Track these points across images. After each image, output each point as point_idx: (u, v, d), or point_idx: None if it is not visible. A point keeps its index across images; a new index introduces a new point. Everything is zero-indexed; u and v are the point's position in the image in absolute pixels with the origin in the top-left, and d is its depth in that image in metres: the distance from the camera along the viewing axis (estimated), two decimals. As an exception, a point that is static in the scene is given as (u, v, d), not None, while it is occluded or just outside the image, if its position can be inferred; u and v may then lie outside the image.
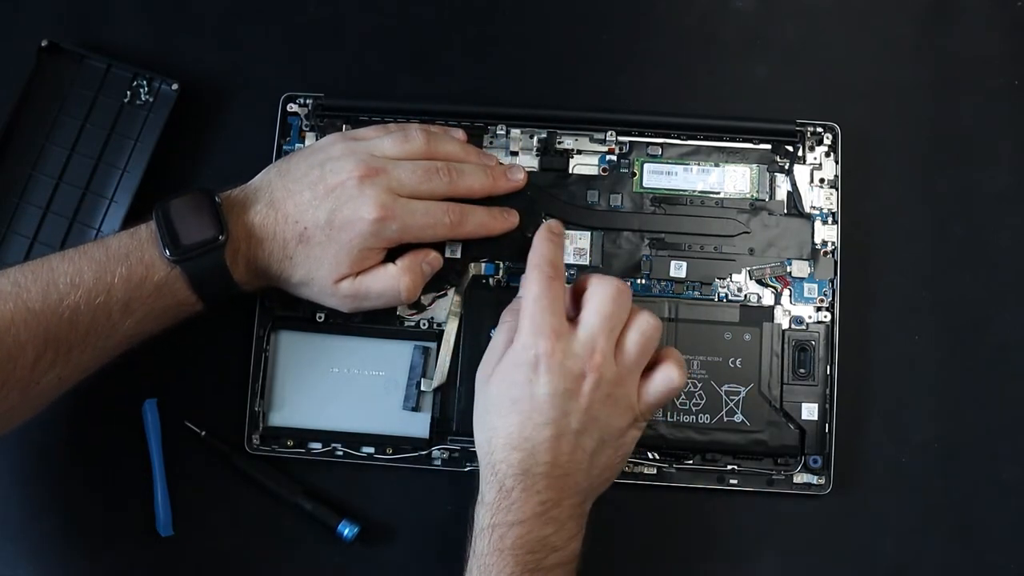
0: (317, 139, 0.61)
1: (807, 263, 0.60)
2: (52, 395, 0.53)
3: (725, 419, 0.58)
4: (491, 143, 0.62)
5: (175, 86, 0.62)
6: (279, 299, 0.59)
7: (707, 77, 0.64)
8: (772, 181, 0.61)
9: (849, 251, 0.61)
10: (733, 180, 0.61)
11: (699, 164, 0.62)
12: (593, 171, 0.62)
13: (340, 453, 0.60)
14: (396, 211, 0.54)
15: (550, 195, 0.61)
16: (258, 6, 0.65)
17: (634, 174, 0.62)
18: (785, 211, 0.61)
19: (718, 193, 0.61)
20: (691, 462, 0.59)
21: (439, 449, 0.59)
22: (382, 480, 0.60)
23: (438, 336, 0.59)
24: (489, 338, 0.55)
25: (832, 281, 0.60)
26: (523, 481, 0.50)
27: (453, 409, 0.58)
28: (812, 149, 0.61)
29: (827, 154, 0.61)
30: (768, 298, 0.60)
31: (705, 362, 0.58)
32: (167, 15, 0.65)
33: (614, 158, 0.62)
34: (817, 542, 0.60)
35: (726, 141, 0.62)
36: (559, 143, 0.62)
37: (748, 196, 0.61)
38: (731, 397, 0.58)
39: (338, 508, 0.59)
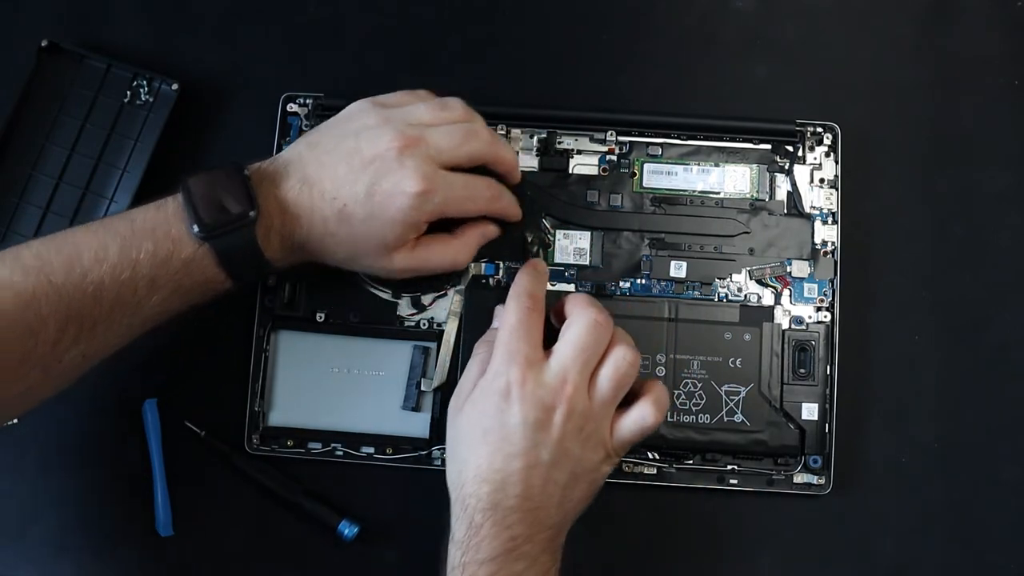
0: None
1: (807, 263, 0.60)
2: (75, 374, 0.51)
3: (725, 419, 0.58)
4: (491, 143, 0.62)
5: (175, 86, 0.62)
6: (281, 297, 0.60)
7: (707, 77, 0.64)
8: (772, 181, 0.61)
9: (849, 251, 0.61)
10: (733, 180, 0.61)
11: (699, 164, 0.62)
12: (593, 171, 0.62)
13: (340, 453, 0.60)
14: (438, 184, 0.53)
15: (550, 195, 0.61)
16: (258, 6, 0.65)
17: (634, 174, 0.62)
18: (785, 211, 0.61)
19: (718, 193, 0.61)
20: (691, 462, 0.59)
21: (439, 449, 0.59)
22: (382, 480, 0.60)
23: (438, 336, 0.59)
24: (489, 338, 0.55)
25: (832, 281, 0.60)
26: (492, 516, 0.49)
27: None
28: (812, 149, 0.61)
29: (827, 154, 0.61)
30: (768, 298, 0.60)
31: (705, 362, 0.58)
32: (167, 15, 0.65)
33: (614, 158, 0.62)
34: (817, 542, 0.60)
35: (726, 141, 0.62)
36: (559, 143, 0.62)
37: (748, 196, 0.61)
38: (731, 397, 0.58)
39: (338, 508, 0.59)
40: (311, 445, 0.60)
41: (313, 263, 0.55)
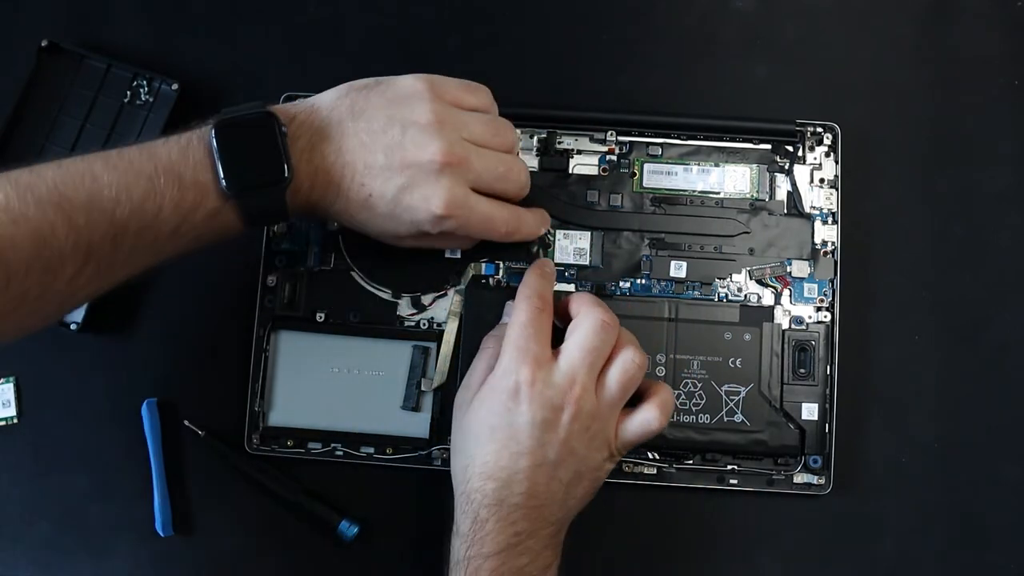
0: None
1: (807, 263, 0.60)
2: (83, 304, 0.51)
3: (725, 419, 0.58)
4: (491, 143, 0.62)
5: (175, 86, 0.62)
6: (281, 297, 0.60)
7: (707, 77, 0.64)
8: (772, 181, 0.61)
9: (849, 251, 0.61)
10: (733, 180, 0.61)
11: (699, 164, 0.62)
12: (593, 171, 0.62)
13: (340, 453, 0.60)
14: (461, 210, 0.53)
15: (550, 195, 0.61)
16: (258, 6, 0.65)
17: (634, 174, 0.62)
18: (785, 211, 0.61)
19: (718, 193, 0.61)
20: (691, 462, 0.59)
21: (439, 449, 0.59)
22: (382, 480, 0.60)
23: (438, 336, 0.59)
24: (489, 338, 0.55)
25: (832, 281, 0.60)
26: (497, 512, 0.50)
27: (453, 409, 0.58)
28: (812, 149, 0.61)
29: (827, 154, 0.61)
30: (768, 298, 0.60)
31: (705, 362, 0.58)
32: (167, 15, 0.65)
33: (614, 158, 0.62)
34: (817, 542, 0.60)
35: (726, 141, 0.62)
36: (559, 143, 0.62)
37: (748, 196, 0.61)
38: (731, 397, 0.58)
39: (338, 508, 0.60)
40: (311, 445, 0.60)
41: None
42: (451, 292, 0.60)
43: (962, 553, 0.60)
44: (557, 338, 0.53)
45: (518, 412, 0.50)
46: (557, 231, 0.61)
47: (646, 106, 0.63)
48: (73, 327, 0.60)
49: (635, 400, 0.53)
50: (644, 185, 0.61)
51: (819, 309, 0.60)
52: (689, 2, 0.66)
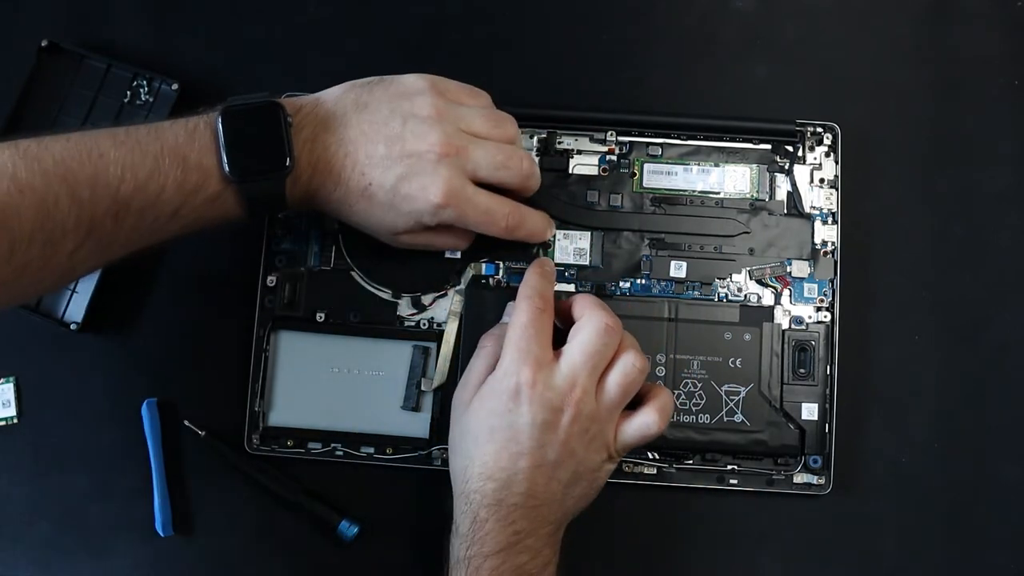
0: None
1: (807, 263, 0.60)
2: (83, 275, 0.52)
3: (725, 419, 0.58)
4: (491, 143, 0.62)
5: (175, 86, 0.62)
6: (281, 297, 0.60)
7: (707, 77, 0.64)
8: (772, 181, 0.61)
9: (849, 251, 0.61)
10: (733, 180, 0.61)
11: (699, 164, 0.62)
12: (593, 171, 0.62)
13: (340, 453, 0.60)
14: (460, 200, 0.53)
15: (550, 195, 0.61)
16: (258, 6, 0.65)
17: (634, 174, 0.62)
18: (785, 211, 0.61)
19: (718, 193, 0.61)
20: (691, 462, 0.59)
21: (439, 449, 0.59)
22: (382, 480, 0.60)
23: (438, 336, 0.59)
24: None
25: (832, 281, 0.60)
26: (496, 512, 0.50)
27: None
28: (812, 149, 0.61)
29: (827, 154, 0.61)
30: (768, 298, 0.60)
31: (705, 362, 0.58)
32: (167, 15, 0.65)
33: (614, 158, 0.62)
34: (817, 542, 0.60)
35: (726, 141, 0.62)
36: (559, 143, 0.62)
37: (748, 196, 0.61)
38: (731, 397, 0.58)
39: (338, 508, 0.60)
40: (311, 445, 0.60)
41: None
42: (451, 292, 0.60)
43: (962, 553, 0.60)
44: (557, 339, 0.53)
45: (518, 413, 0.51)
46: (557, 231, 0.61)
47: (646, 106, 0.63)
48: (73, 327, 0.60)
49: (635, 402, 0.53)
50: (644, 185, 0.61)
51: (819, 309, 0.60)
52: (689, 2, 0.66)
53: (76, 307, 0.61)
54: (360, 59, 0.65)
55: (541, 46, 0.65)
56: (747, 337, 0.59)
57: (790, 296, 0.60)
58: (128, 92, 0.63)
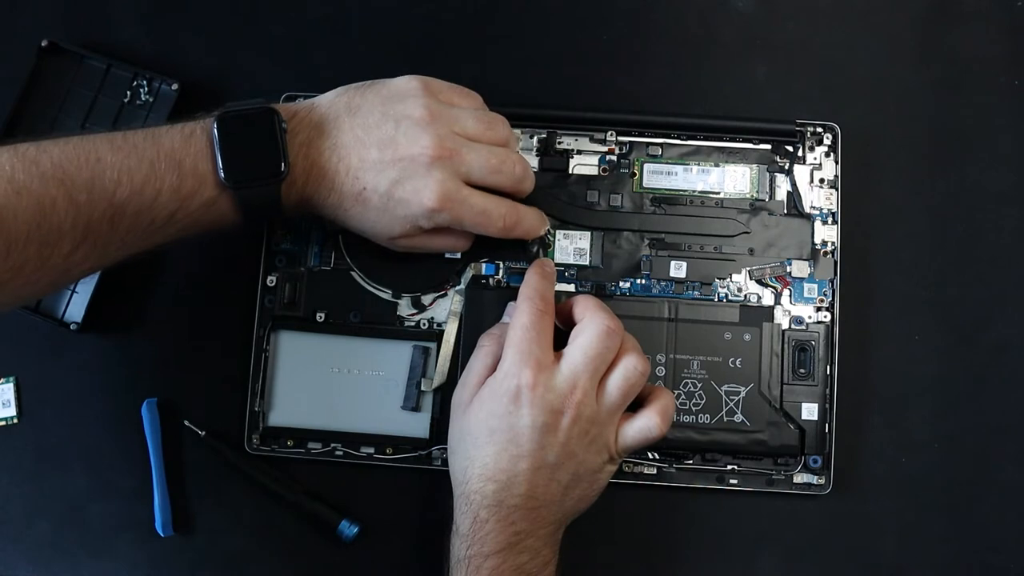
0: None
1: (807, 263, 0.60)
2: (78, 279, 0.52)
3: (725, 419, 0.58)
4: (491, 143, 0.62)
5: (175, 86, 0.62)
6: (281, 297, 0.60)
7: (707, 77, 0.64)
8: (772, 181, 0.61)
9: (849, 251, 0.61)
10: (733, 180, 0.61)
11: (699, 164, 0.62)
12: (593, 171, 0.62)
13: (340, 453, 0.60)
14: (454, 203, 0.53)
15: (550, 195, 0.61)
16: (258, 6, 0.65)
17: (634, 174, 0.62)
18: (785, 211, 0.61)
19: (718, 193, 0.61)
20: (691, 462, 0.59)
21: (439, 449, 0.59)
22: (382, 480, 0.60)
23: (438, 336, 0.59)
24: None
25: (832, 281, 0.60)
26: (497, 512, 0.50)
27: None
28: (812, 149, 0.61)
29: (827, 154, 0.61)
30: (768, 298, 0.60)
31: (705, 362, 0.58)
32: (167, 15, 0.65)
33: (614, 158, 0.62)
34: (817, 542, 0.60)
35: (726, 141, 0.62)
36: (559, 143, 0.62)
37: (748, 196, 0.61)
38: (731, 397, 0.58)
39: (338, 508, 0.60)
40: (311, 445, 0.60)
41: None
42: (451, 292, 0.60)
43: (962, 553, 0.60)
44: (558, 340, 0.53)
45: (519, 415, 0.51)
46: (557, 231, 0.61)
47: (646, 106, 0.63)
48: (73, 327, 0.60)
49: (636, 403, 0.53)
50: (644, 185, 0.61)
51: (819, 309, 0.60)
52: (689, 2, 0.66)
53: (76, 307, 0.61)
54: (360, 59, 0.65)
55: (541, 46, 0.65)
56: (747, 337, 0.59)
57: (790, 296, 0.60)
58: (128, 92, 0.63)
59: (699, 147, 0.62)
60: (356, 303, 0.60)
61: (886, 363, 0.61)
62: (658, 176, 0.61)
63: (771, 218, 0.61)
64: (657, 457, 0.59)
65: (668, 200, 0.61)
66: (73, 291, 0.61)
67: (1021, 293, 0.62)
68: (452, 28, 0.65)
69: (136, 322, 0.62)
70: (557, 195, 0.61)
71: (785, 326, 0.59)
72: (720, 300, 0.60)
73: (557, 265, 0.60)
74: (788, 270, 0.60)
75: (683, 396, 0.58)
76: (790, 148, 0.61)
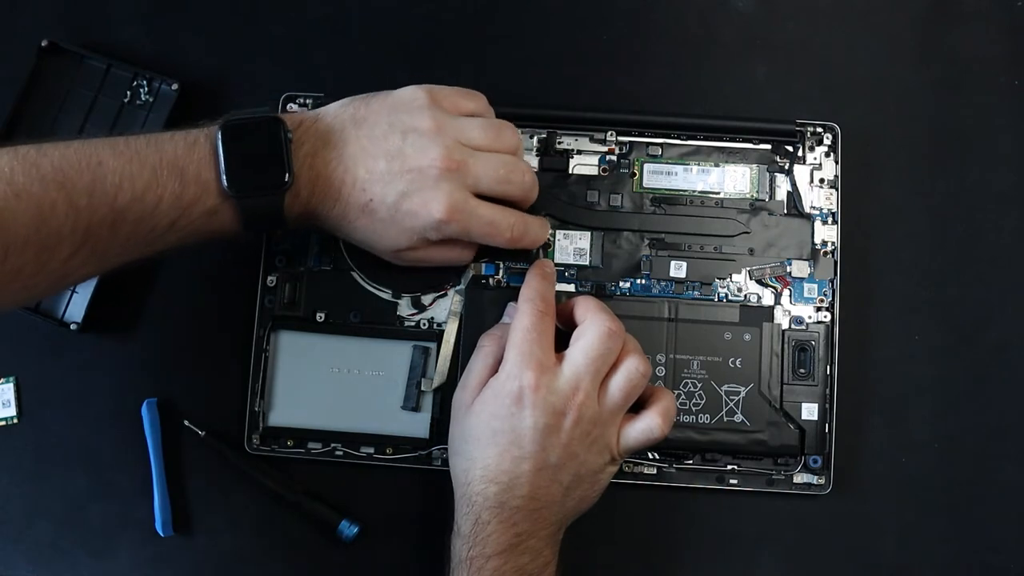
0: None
1: (807, 263, 0.60)
2: (77, 283, 0.52)
3: (725, 419, 0.58)
4: (491, 143, 0.62)
5: (175, 86, 0.62)
6: (281, 297, 0.60)
7: (707, 77, 0.64)
8: (772, 181, 0.61)
9: (849, 251, 0.61)
10: (733, 180, 0.61)
11: (699, 164, 0.62)
12: (593, 171, 0.62)
13: (340, 453, 0.60)
14: (463, 215, 0.53)
15: (550, 195, 0.61)
16: (258, 6, 0.65)
17: (634, 174, 0.62)
18: (785, 211, 0.61)
19: (718, 193, 0.61)
20: (691, 462, 0.59)
21: (439, 449, 0.59)
22: (382, 480, 0.60)
23: (438, 336, 0.59)
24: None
25: (832, 281, 0.60)
26: (499, 514, 0.50)
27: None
28: (812, 149, 0.61)
29: (827, 154, 0.61)
30: (768, 298, 0.60)
31: (705, 362, 0.58)
32: (167, 15, 0.65)
33: (614, 158, 0.62)
34: (817, 542, 0.60)
35: (726, 141, 0.62)
36: (559, 143, 0.62)
37: (748, 196, 0.61)
38: (731, 397, 0.58)
39: (338, 508, 0.60)
40: (311, 445, 0.60)
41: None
42: (451, 292, 0.60)
43: (962, 553, 0.60)
44: (558, 340, 0.53)
45: (521, 417, 0.51)
46: (557, 231, 0.61)
47: (646, 106, 0.63)
48: (73, 327, 0.60)
49: (637, 404, 0.54)
50: (644, 185, 0.61)
51: (819, 309, 0.60)
52: (689, 2, 0.66)
53: (76, 307, 0.61)
54: (360, 59, 0.65)
55: (541, 46, 0.65)
56: (747, 337, 0.59)
57: (790, 296, 0.60)
58: (128, 92, 0.63)
59: (699, 147, 0.62)
60: (356, 303, 0.60)
61: (886, 363, 0.61)
62: (658, 176, 0.61)
63: (771, 218, 0.61)
64: (657, 457, 0.59)
65: (668, 200, 0.61)
66: (73, 291, 0.61)
67: (1021, 293, 0.62)
68: (452, 28, 0.65)
69: (136, 322, 0.62)
70: (557, 195, 0.61)
71: (785, 326, 0.59)
72: (720, 300, 0.60)
73: (557, 265, 0.60)
74: (788, 270, 0.60)
75: (683, 396, 0.58)
76: (790, 148, 0.61)
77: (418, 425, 0.59)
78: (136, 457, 0.60)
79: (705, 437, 0.58)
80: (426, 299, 0.60)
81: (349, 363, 0.60)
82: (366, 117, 0.53)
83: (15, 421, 0.61)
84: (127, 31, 0.65)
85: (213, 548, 0.60)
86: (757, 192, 0.61)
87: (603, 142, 0.62)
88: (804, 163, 0.61)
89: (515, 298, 0.56)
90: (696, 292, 0.60)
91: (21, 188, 0.46)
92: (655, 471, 0.59)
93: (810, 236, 0.60)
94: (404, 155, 0.52)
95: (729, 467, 0.59)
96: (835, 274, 0.60)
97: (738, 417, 0.58)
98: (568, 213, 0.61)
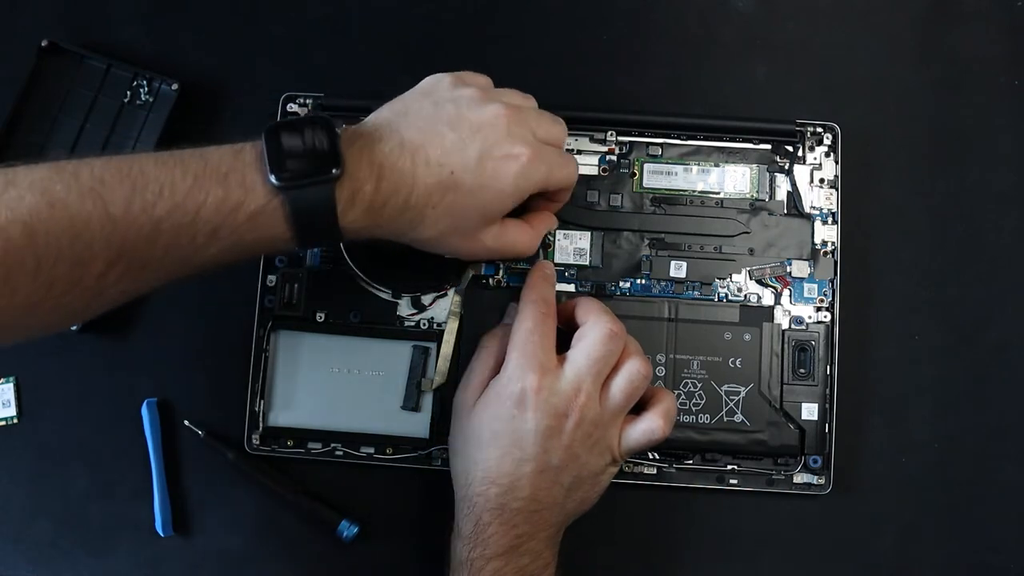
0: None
1: (807, 263, 0.60)
2: (113, 305, 0.47)
3: (725, 419, 0.58)
4: (491, 143, 0.62)
5: (175, 86, 0.62)
6: (281, 297, 0.60)
7: (707, 77, 0.64)
8: (772, 181, 0.61)
9: (849, 251, 0.61)
10: (733, 180, 0.61)
11: (699, 164, 0.61)
12: (593, 171, 0.62)
13: (340, 453, 0.60)
14: (540, 151, 0.51)
15: (550, 195, 0.61)
16: (258, 6, 0.65)
17: (634, 174, 0.62)
18: (785, 211, 0.61)
19: (718, 193, 0.61)
20: (691, 462, 0.59)
21: (439, 449, 0.59)
22: (382, 480, 0.60)
23: (438, 336, 0.59)
24: (489, 338, 0.55)
25: (832, 281, 0.60)
26: (499, 516, 0.50)
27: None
28: (812, 149, 0.61)
29: (827, 154, 0.61)
30: (768, 298, 0.60)
31: (705, 362, 0.58)
32: (167, 15, 0.65)
33: (614, 158, 0.62)
34: (817, 542, 0.60)
35: (726, 141, 0.62)
36: (559, 143, 0.62)
37: (748, 196, 0.61)
38: (731, 397, 0.58)
39: (338, 508, 0.60)
40: (311, 445, 0.60)
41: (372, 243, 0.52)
42: (451, 292, 0.60)
43: (962, 553, 0.60)
44: (559, 341, 0.53)
45: (523, 419, 0.51)
46: (557, 231, 0.61)
47: (646, 106, 0.63)
48: (73, 327, 0.60)
49: (638, 404, 0.54)
50: (644, 185, 0.61)
51: (819, 309, 0.60)
52: (689, 2, 0.66)
53: (76, 307, 0.61)
54: (360, 59, 0.65)
55: (541, 46, 0.65)
56: (747, 337, 0.59)
57: (790, 296, 0.60)
58: (128, 92, 0.63)
59: (699, 147, 0.62)
60: (356, 303, 0.60)
61: (886, 363, 0.61)
62: (658, 176, 0.61)
63: (771, 218, 0.61)
64: (657, 457, 0.59)
65: (668, 200, 0.61)
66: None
67: (1021, 293, 0.62)
68: (452, 28, 0.65)
69: (136, 322, 0.62)
70: (557, 195, 0.61)
71: (785, 326, 0.59)
72: (720, 300, 0.60)
73: (557, 265, 0.60)
74: (788, 270, 0.60)
75: (683, 396, 0.58)
76: (790, 148, 0.61)
77: (418, 425, 0.59)
78: (136, 457, 0.60)
79: (705, 437, 0.58)
80: (426, 299, 0.60)
81: (349, 363, 0.60)
82: (407, 108, 0.51)
83: (15, 421, 0.61)
84: (127, 31, 0.65)
85: (213, 548, 0.60)
86: (757, 192, 0.61)
87: (603, 142, 0.62)
88: (804, 163, 0.61)
89: (515, 298, 0.56)
90: (696, 292, 0.60)
91: (56, 198, 0.44)
92: (655, 471, 0.59)
93: (810, 236, 0.60)
94: (466, 117, 0.50)
95: (729, 467, 0.59)
96: (835, 274, 0.60)
97: (738, 417, 0.58)
98: (568, 213, 0.61)
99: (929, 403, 0.61)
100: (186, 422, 0.60)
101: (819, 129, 0.61)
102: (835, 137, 0.61)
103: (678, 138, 0.62)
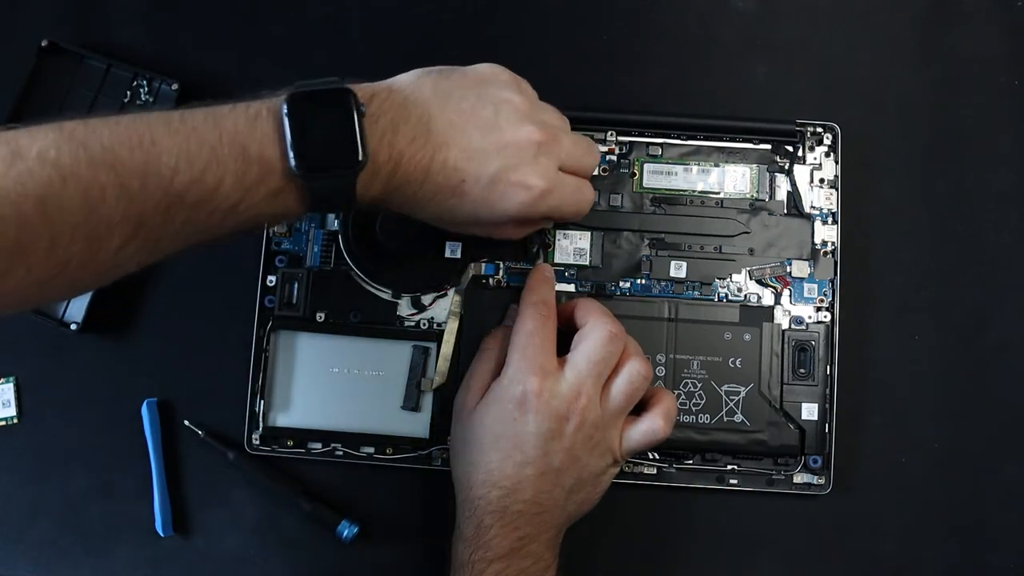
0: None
1: (807, 263, 0.60)
2: (124, 274, 0.45)
3: (725, 419, 0.58)
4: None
5: (175, 86, 0.62)
6: (281, 297, 0.60)
7: (707, 77, 0.64)
8: (772, 181, 0.61)
9: (849, 251, 0.61)
10: (733, 180, 0.61)
11: (699, 164, 0.61)
12: (593, 171, 0.62)
13: (340, 453, 0.60)
14: (556, 186, 0.51)
15: (550, 195, 0.61)
16: (258, 6, 0.65)
17: (634, 174, 0.62)
18: (785, 211, 0.61)
19: (718, 193, 0.61)
20: (691, 462, 0.59)
21: (439, 449, 0.59)
22: (382, 480, 0.60)
23: (438, 336, 0.59)
24: (489, 338, 0.55)
25: (832, 281, 0.60)
26: (501, 518, 0.50)
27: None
28: (812, 149, 0.61)
29: (827, 154, 0.61)
30: (768, 298, 0.60)
31: (705, 362, 0.58)
32: (167, 15, 0.65)
33: (614, 158, 0.62)
34: (817, 542, 0.60)
35: (726, 141, 0.62)
36: (559, 143, 0.62)
37: (748, 196, 0.61)
38: (731, 397, 0.58)
39: (338, 508, 0.60)
40: (311, 445, 0.60)
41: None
42: (451, 292, 0.60)
43: (962, 553, 0.60)
44: (559, 342, 0.53)
45: (524, 422, 0.51)
46: (557, 231, 0.61)
47: (646, 106, 0.63)
48: (73, 327, 0.60)
49: (638, 405, 0.54)
50: (644, 185, 0.61)
51: (819, 309, 0.60)
52: (689, 2, 0.66)
53: (76, 307, 0.61)
54: (360, 59, 0.65)
55: (541, 46, 0.65)
56: (747, 337, 0.59)
57: (790, 296, 0.60)
58: (128, 92, 0.63)
59: (699, 147, 0.62)
60: (356, 303, 0.60)
61: (886, 363, 0.61)
62: (658, 176, 0.61)
63: (771, 218, 0.61)
64: (657, 457, 0.59)
65: (668, 200, 0.61)
66: (73, 291, 0.61)
67: (1021, 293, 0.62)
68: (452, 28, 0.65)
69: (136, 322, 0.62)
70: (557, 195, 0.61)
71: (785, 326, 0.59)
72: (720, 300, 0.60)
73: (557, 265, 0.60)
74: (788, 270, 0.60)
75: (683, 396, 0.58)
76: (790, 148, 0.61)
77: (418, 425, 0.59)
78: (136, 457, 0.60)
79: (705, 437, 0.58)
80: (426, 299, 0.60)
81: (349, 363, 0.60)
82: (450, 91, 0.49)
83: (15, 421, 0.61)
84: (127, 31, 0.65)
85: (213, 548, 0.60)
86: (757, 192, 0.61)
87: (603, 142, 0.62)
88: (804, 163, 0.61)
89: (515, 299, 0.56)
90: (696, 292, 0.60)
91: (68, 171, 0.41)
92: (655, 471, 0.59)
93: (810, 236, 0.60)
94: (500, 129, 0.49)
95: (729, 467, 0.59)
96: (835, 274, 0.60)
97: (738, 417, 0.58)
98: (568, 213, 0.61)
99: (929, 403, 0.61)
100: (186, 422, 0.60)
101: (819, 129, 0.61)
102: (835, 137, 0.61)
103: (678, 138, 0.62)
